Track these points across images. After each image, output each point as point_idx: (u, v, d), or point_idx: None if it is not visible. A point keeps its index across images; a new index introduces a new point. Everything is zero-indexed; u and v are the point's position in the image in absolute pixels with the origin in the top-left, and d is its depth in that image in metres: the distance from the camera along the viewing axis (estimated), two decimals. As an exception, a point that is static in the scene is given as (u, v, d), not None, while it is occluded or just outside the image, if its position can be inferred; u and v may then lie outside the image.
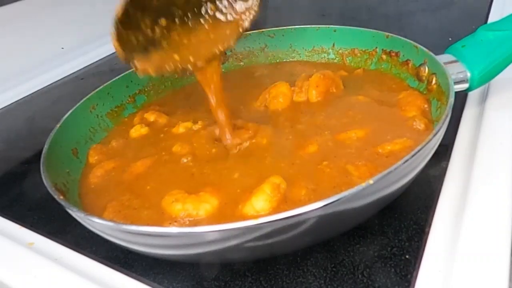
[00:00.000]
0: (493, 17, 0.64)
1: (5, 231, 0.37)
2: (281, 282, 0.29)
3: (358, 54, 0.51)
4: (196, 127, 0.42)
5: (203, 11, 0.35)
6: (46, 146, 0.37)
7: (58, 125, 0.40)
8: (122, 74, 0.50)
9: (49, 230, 0.37)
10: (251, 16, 0.34)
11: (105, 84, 0.48)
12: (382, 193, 0.27)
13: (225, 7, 0.35)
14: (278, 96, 0.44)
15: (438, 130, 0.29)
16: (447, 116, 0.31)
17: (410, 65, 0.44)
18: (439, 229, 0.30)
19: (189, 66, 0.35)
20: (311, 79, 0.44)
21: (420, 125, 0.36)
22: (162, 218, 0.32)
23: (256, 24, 0.56)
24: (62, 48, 0.77)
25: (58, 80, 0.71)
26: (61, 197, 0.30)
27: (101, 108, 0.47)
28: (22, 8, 0.70)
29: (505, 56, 0.40)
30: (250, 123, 0.40)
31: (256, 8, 0.34)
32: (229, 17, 0.35)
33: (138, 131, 0.44)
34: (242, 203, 0.31)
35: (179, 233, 0.25)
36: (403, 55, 0.45)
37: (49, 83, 0.70)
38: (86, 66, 0.75)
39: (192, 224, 0.31)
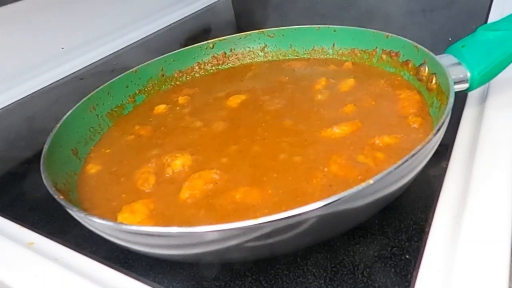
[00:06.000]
0: (493, 17, 0.64)
1: (5, 231, 0.37)
2: (281, 282, 0.29)
3: (358, 54, 0.51)
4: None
5: None
6: (46, 146, 0.37)
7: (58, 125, 0.40)
8: (122, 74, 0.50)
9: (49, 230, 0.37)
10: None
11: (105, 84, 0.48)
12: (382, 193, 0.27)
13: None
14: None
15: (438, 130, 0.29)
16: (447, 116, 0.31)
17: (410, 65, 0.44)
18: (439, 229, 0.30)
19: None
20: None
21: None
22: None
23: (256, 24, 0.56)
24: (62, 48, 0.77)
25: (58, 80, 0.71)
26: (61, 197, 0.30)
27: (101, 108, 0.47)
28: (22, 8, 0.70)
29: (505, 56, 0.40)
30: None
31: None
32: None
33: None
34: None
35: (179, 233, 0.25)
36: (403, 55, 0.45)
37: (49, 83, 0.70)
38: (86, 66, 0.76)
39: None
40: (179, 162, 0.37)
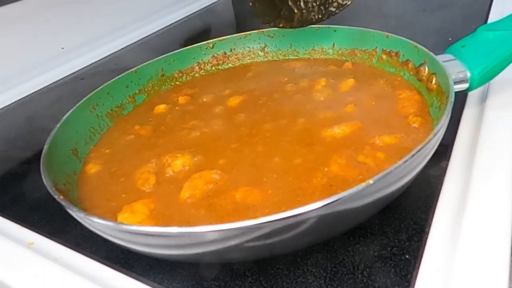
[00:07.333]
0: (493, 17, 0.64)
1: (5, 231, 0.37)
2: (281, 282, 0.29)
3: (358, 54, 0.51)
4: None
5: None
6: (46, 146, 0.37)
7: (58, 125, 0.40)
8: (122, 74, 0.50)
9: (49, 230, 0.37)
10: None
11: (105, 84, 0.48)
12: (382, 193, 0.27)
13: None
14: None
15: (438, 130, 0.29)
16: (447, 116, 0.31)
17: (410, 65, 0.44)
18: (439, 229, 0.30)
19: None
20: None
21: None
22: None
23: (256, 24, 0.56)
24: (62, 48, 0.77)
25: (58, 80, 0.71)
26: (61, 197, 0.30)
27: (101, 108, 0.47)
28: (22, 8, 0.70)
29: (505, 56, 0.40)
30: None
31: None
32: None
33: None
34: None
35: (179, 233, 0.25)
36: (403, 55, 0.45)
37: (49, 83, 0.70)
38: (86, 66, 0.75)
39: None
40: (179, 162, 0.37)
